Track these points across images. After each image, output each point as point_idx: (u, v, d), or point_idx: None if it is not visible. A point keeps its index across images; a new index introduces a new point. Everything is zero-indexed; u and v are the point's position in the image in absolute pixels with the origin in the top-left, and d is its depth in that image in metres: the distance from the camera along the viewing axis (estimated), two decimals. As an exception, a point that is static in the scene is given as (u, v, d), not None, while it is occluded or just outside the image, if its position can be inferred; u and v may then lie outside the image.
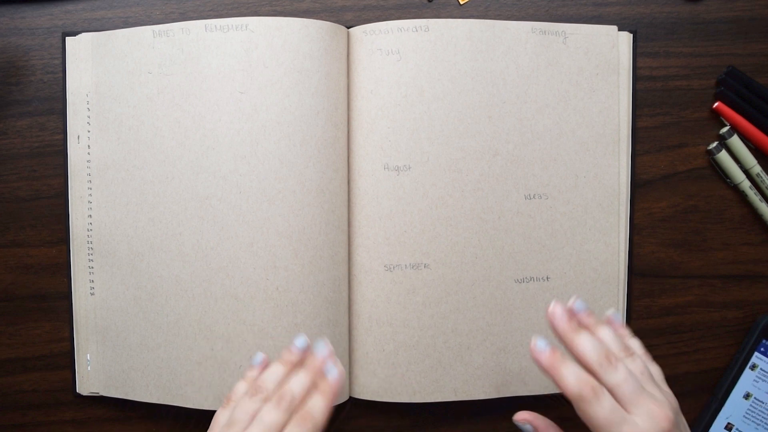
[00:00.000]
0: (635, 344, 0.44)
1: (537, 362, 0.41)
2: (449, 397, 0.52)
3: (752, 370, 0.54)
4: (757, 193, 0.54)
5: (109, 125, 0.52)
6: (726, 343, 0.56)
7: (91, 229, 0.52)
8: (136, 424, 0.54)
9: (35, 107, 0.53)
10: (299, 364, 0.44)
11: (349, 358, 0.52)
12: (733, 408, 0.54)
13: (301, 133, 0.49)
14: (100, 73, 0.52)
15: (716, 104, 0.54)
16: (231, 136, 0.49)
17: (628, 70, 0.53)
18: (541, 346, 0.41)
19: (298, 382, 0.42)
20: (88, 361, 0.53)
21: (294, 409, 0.41)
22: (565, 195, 0.52)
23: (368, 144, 0.51)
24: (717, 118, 0.55)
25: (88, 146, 0.52)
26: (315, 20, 0.49)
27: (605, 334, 0.42)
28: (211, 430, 0.43)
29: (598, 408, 0.38)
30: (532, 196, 0.52)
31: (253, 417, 0.41)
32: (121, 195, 0.51)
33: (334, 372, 0.42)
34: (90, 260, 0.52)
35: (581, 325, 0.43)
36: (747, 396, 0.54)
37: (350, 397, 0.53)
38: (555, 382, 0.40)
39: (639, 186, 0.54)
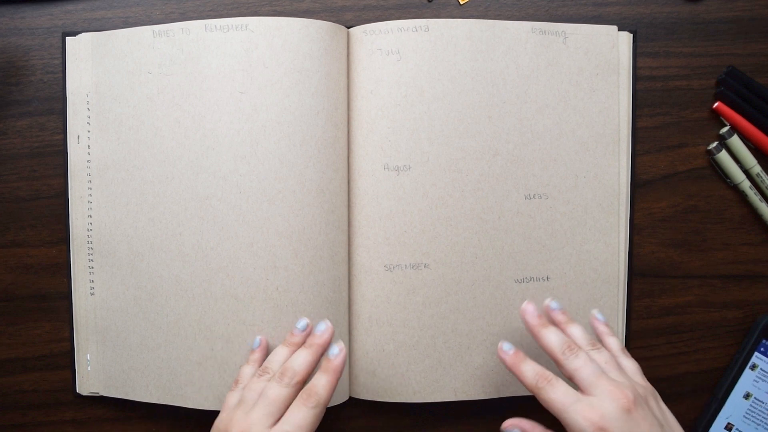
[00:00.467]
0: (613, 342, 0.47)
1: (502, 362, 0.45)
2: (449, 397, 0.52)
3: (752, 370, 0.54)
4: (757, 193, 0.54)
5: (109, 125, 0.52)
6: (726, 343, 0.56)
7: (91, 229, 0.52)
8: (136, 424, 0.54)
9: (35, 107, 0.53)
10: (303, 345, 0.46)
11: (349, 358, 0.52)
12: (733, 408, 0.54)
13: (301, 133, 0.49)
14: (100, 73, 0.52)
15: (716, 104, 0.54)
16: (231, 136, 0.49)
17: (628, 70, 0.53)
18: (506, 348, 0.45)
19: (299, 358, 0.45)
20: (88, 361, 0.53)
21: (297, 384, 0.43)
22: (565, 195, 0.52)
23: (368, 144, 0.51)
24: (717, 118, 0.55)
25: (88, 146, 0.52)
26: (315, 20, 0.49)
27: (574, 330, 0.46)
28: (222, 411, 0.45)
29: (551, 392, 0.41)
30: (532, 196, 0.52)
31: (260, 395, 0.43)
32: (121, 195, 0.51)
33: (336, 350, 0.45)
34: (90, 260, 0.52)
35: (554, 322, 0.46)
36: (747, 396, 0.54)
37: (350, 397, 0.53)
38: (518, 378, 0.44)
39: (639, 186, 0.54)
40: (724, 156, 0.54)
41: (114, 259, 0.52)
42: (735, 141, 0.54)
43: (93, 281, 0.52)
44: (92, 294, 0.52)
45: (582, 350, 0.43)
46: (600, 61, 0.52)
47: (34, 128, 0.53)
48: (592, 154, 0.53)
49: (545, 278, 0.53)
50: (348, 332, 0.52)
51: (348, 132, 0.52)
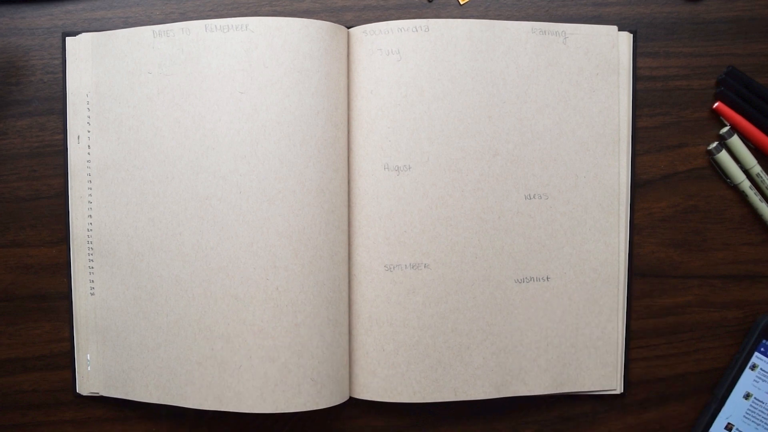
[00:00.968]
0: None
1: None
2: (449, 397, 0.52)
3: (752, 370, 0.54)
4: (757, 193, 0.54)
5: (109, 125, 0.52)
6: (726, 343, 0.56)
7: (91, 229, 0.52)
8: (136, 424, 0.54)
9: (35, 107, 0.53)
10: None
11: (349, 358, 0.52)
12: (733, 408, 0.54)
13: (301, 133, 0.49)
14: (100, 73, 0.52)
15: (716, 104, 0.54)
16: (231, 136, 0.49)
17: (628, 70, 0.53)
18: None
19: None
20: (88, 361, 0.53)
21: None
22: (565, 195, 0.52)
23: (368, 144, 0.51)
24: (717, 118, 0.55)
25: (88, 146, 0.52)
26: (315, 20, 0.49)
27: None
28: None
29: None
30: (532, 196, 0.52)
31: None
32: (121, 195, 0.51)
33: None
34: (90, 260, 0.52)
35: None
36: (747, 396, 0.54)
37: (350, 397, 0.53)
38: None
39: (639, 186, 0.54)
40: (724, 156, 0.54)
41: (114, 259, 0.52)
42: (735, 141, 0.54)
43: (93, 281, 0.52)
44: (92, 294, 0.52)
45: None
46: (600, 61, 0.52)
47: (34, 128, 0.53)
48: (592, 154, 0.53)
49: (545, 278, 0.53)
50: (348, 332, 0.52)
51: (348, 132, 0.52)
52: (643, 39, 0.54)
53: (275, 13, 0.53)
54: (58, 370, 0.54)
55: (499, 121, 0.51)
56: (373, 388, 0.52)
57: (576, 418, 0.56)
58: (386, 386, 0.52)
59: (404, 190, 0.51)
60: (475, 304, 0.52)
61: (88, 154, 0.52)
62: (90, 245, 0.52)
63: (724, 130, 0.54)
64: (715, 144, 0.54)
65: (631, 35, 0.53)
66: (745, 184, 0.54)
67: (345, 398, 0.52)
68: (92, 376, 0.53)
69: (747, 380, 0.54)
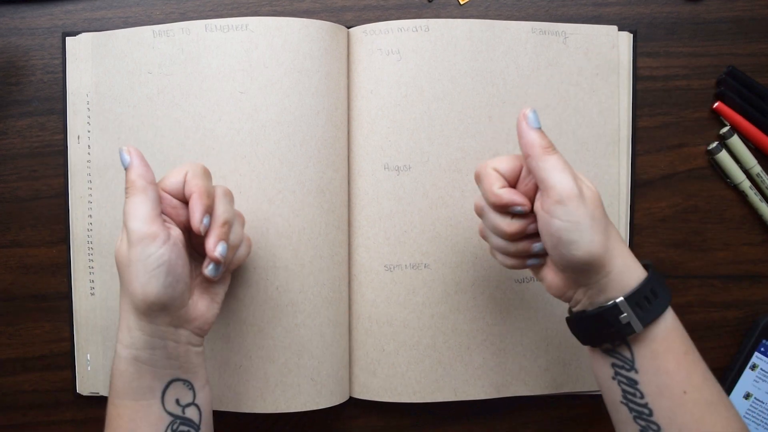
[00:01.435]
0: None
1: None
2: (449, 397, 0.52)
3: (752, 370, 0.54)
4: (757, 193, 0.54)
5: (109, 125, 0.52)
6: (726, 343, 0.56)
7: (91, 229, 0.52)
8: (136, 424, 0.54)
9: (35, 107, 0.53)
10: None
11: (349, 358, 0.52)
12: (733, 408, 0.54)
13: (301, 133, 0.49)
14: (100, 73, 0.52)
15: (716, 104, 0.54)
16: (231, 136, 0.49)
17: (628, 70, 0.53)
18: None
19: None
20: (88, 361, 0.53)
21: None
22: (565, 195, 0.52)
23: (368, 144, 0.51)
24: (717, 118, 0.55)
25: (88, 146, 0.52)
26: (315, 20, 0.49)
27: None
28: None
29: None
30: (532, 196, 0.52)
31: None
32: (121, 195, 0.51)
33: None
34: (90, 260, 0.52)
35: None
36: (747, 396, 0.54)
37: (350, 397, 0.53)
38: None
39: (639, 186, 0.54)
40: (724, 156, 0.54)
41: (114, 259, 0.52)
42: (735, 141, 0.54)
43: (93, 281, 0.52)
44: (92, 294, 0.52)
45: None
46: (600, 61, 0.52)
47: (34, 128, 0.53)
48: (592, 154, 0.53)
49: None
50: (348, 332, 0.52)
51: (348, 132, 0.52)
52: (643, 39, 0.54)
53: (275, 13, 0.53)
54: (58, 370, 0.54)
55: (499, 121, 0.51)
56: (373, 388, 0.52)
57: (576, 418, 0.56)
58: (386, 386, 0.52)
59: (404, 190, 0.51)
60: (475, 305, 0.52)
61: (88, 154, 0.52)
62: (90, 245, 0.52)
63: (724, 130, 0.54)
64: (715, 144, 0.54)
65: (631, 35, 0.53)
66: (745, 184, 0.54)
67: (345, 398, 0.52)
68: (92, 376, 0.53)
69: (747, 380, 0.54)
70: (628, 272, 0.39)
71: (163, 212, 0.41)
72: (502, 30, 0.51)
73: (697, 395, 0.39)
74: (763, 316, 0.55)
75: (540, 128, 0.39)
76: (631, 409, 0.40)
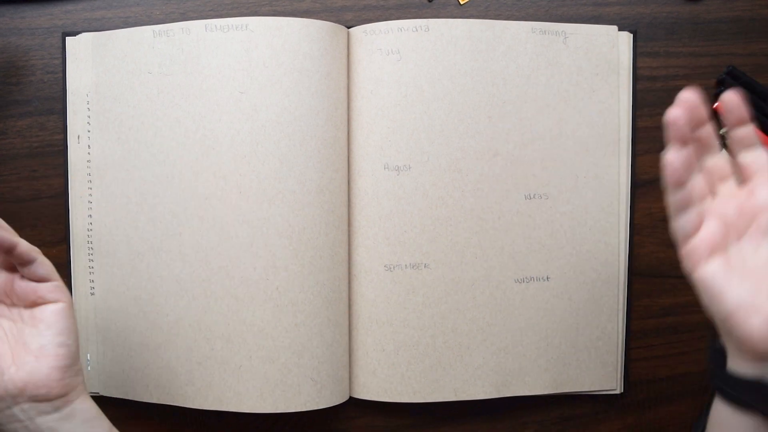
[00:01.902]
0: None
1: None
2: (449, 397, 0.52)
3: (752, 370, 0.54)
4: (757, 193, 0.54)
5: (109, 125, 0.52)
6: (726, 343, 0.55)
7: (91, 229, 0.52)
8: (136, 424, 0.54)
9: (35, 107, 0.53)
10: None
11: (349, 358, 0.52)
12: (733, 408, 0.54)
13: (301, 133, 0.49)
14: (100, 73, 0.52)
15: (716, 104, 0.54)
16: (231, 136, 0.49)
17: (628, 70, 0.53)
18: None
19: None
20: (88, 361, 0.53)
21: None
22: (565, 195, 0.52)
23: (368, 144, 0.51)
24: (717, 118, 0.55)
25: (88, 146, 0.52)
26: (315, 20, 0.49)
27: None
28: None
29: None
30: (532, 196, 0.52)
31: None
32: (121, 195, 0.51)
33: None
34: (90, 260, 0.52)
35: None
36: (747, 396, 0.54)
37: (350, 397, 0.53)
38: None
39: (639, 186, 0.54)
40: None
41: (114, 259, 0.52)
42: (735, 141, 0.54)
43: (93, 281, 0.52)
44: (92, 294, 0.52)
45: None
46: (600, 61, 0.52)
47: (34, 128, 0.53)
48: (592, 154, 0.53)
49: (545, 278, 0.53)
50: (348, 332, 0.52)
51: (348, 132, 0.52)
52: (643, 39, 0.54)
53: (275, 13, 0.53)
54: (58, 370, 0.54)
55: (499, 121, 0.51)
56: (373, 388, 0.52)
57: (576, 418, 0.56)
58: (386, 386, 0.52)
59: (404, 190, 0.51)
60: (475, 304, 0.52)
61: (88, 154, 0.52)
62: (90, 245, 0.52)
63: (725, 130, 0.54)
64: (715, 144, 0.54)
65: (631, 35, 0.53)
66: (745, 184, 0.54)
67: (345, 398, 0.52)
68: (92, 376, 0.53)
69: (747, 380, 0.54)
70: None
71: None
72: (502, 30, 0.51)
73: None
74: (763, 316, 0.55)
75: None
76: None
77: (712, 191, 0.38)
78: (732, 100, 0.38)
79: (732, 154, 0.39)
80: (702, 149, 0.39)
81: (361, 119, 0.51)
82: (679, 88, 0.55)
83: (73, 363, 0.39)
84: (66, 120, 0.53)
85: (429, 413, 0.55)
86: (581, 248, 0.53)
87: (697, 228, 0.37)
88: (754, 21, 0.54)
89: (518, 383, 0.53)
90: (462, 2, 0.54)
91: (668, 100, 0.55)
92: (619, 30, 0.53)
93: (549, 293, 0.53)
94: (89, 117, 0.52)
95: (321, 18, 0.52)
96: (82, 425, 0.38)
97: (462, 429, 0.55)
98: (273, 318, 0.50)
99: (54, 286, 0.40)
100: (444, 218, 0.51)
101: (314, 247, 0.50)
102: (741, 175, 0.38)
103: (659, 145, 0.55)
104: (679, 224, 0.38)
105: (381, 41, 0.50)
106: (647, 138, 0.54)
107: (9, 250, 0.39)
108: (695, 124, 0.38)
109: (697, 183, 0.38)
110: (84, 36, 0.52)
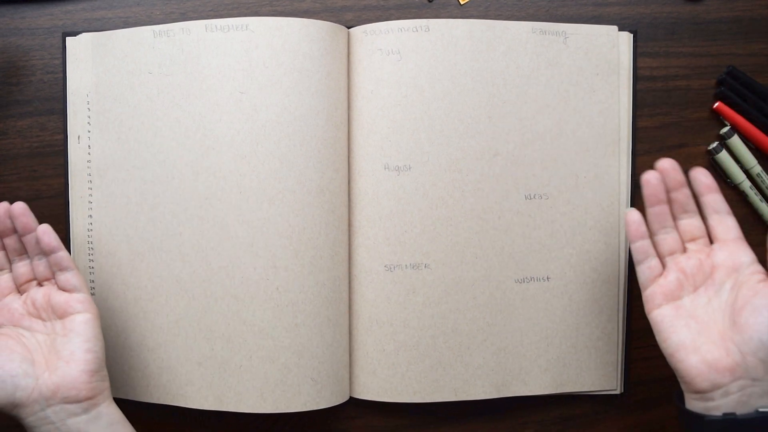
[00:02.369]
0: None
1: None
2: (449, 397, 0.52)
3: (752, 370, 0.54)
4: (758, 193, 0.54)
5: (109, 125, 0.52)
6: (726, 343, 0.55)
7: (91, 229, 0.52)
8: (136, 424, 0.54)
9: (35, 107, 0.53)
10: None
11: (349, 358, 0.52)
12: (733, 408, 0.54)
13: (301, 133, 0.49)
14: (100, 73, 0.52)
15: (716, 104, 0.54)
16: (231, 136, 0.49)
17: (628, 70, 0.53)
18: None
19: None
20: (88, 361, 0.53)
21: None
22: (565, 195, 0.52)
23: (368, 144, 0.51)
24: (717, 118, 0.55)
25: (89, 146, 0.52)
26: (315, 20, 0.49)
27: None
28: None
29: None
30: (532, 196, 0.52)
31: None
32: (121, 195, 0.51)
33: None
34: (90, 260, 0.52)
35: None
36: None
37: (350, 397, 0.53)
38: None
39: (639, 186, 0.54)
40: (724, 156, 0.54)
41: (114, 259, 0.52)
42: (735, 141, 0.54)
43: (93, 281, 0.52)
44: (92, 294, 0.52)
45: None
46: (600, 61, 0.52)
47: (35, 128, 0.53)
48: (592, 154, 0.53)
49: (545, 278, 0.53)
50: (348, 332, 0.52)
51: (348, 132, 0.52)
52: (643, 39, 0.54)
53: (275, 13, 0.53)
54: (58, 370, 0.54)
55: (499, 121, 0.51)
56: (373, 388, 0.52)
57: (576, 418, 0.56)
58: (386, 386, 0.52)
59: (404, 190, 0.51)
60: (475, 304, 0.52)
61: (88, 154, 0.52)
62: (90, 245, 0.52)
63: (724, 130, 0.54)
64: (715, 144, 0.54)
65: (631, 35, 0.53)
66: (746, 184, 0.54)
67: (345, 398, 0.52)
68: (92, 376, 0.53)
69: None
70: None
71: None
72: (502, 30, 0.51)
73: None
74: (763, 316, 0.55)
75: None
76: None
77: (683, 248, 0.45)
78: (667, 166, 0.45)
79: (704, 215, 0.45)
80: (679, 209, 0.45)
81: (361, 119, 0.51)
82: (679, 88, 0.55)
83: (99, 368, 0.43)
84: (66, 120, 0.53)
85: (429, 413, 0.55)
86: (581, 248, 0.53)
87: (657, 275, 0.44)
88: (754, 21, 0.55)
89: (518, 383, 0.53)
90: (462, 2, 0.54)
91: (668, 100, 0.55)
92: (620, 30, 0.53)
93: (549, 293, 0.53)
94: (89, 117, 0.52)
95: (321, 18, 0.52)
96: (108, 428, 0.43)
97: (462, 429, 0.55)
98: (273, 318, 0.50)
99: (84, 297, 0.45)
100: (444, 218, 0.51)
101: (314, 247, 0.50)
102: (711, 235, 0.45)
103: (659, 145, 0.55)
104: (641, 270, 0.45)
105: (381, 41, 0.50)
106: (647, 138, 0.54)
107: (52, 251, 0.45)
108: (672, 187, 0.45)
109: (671, 238, 0.45)
110: (84, 36, 0.52)
